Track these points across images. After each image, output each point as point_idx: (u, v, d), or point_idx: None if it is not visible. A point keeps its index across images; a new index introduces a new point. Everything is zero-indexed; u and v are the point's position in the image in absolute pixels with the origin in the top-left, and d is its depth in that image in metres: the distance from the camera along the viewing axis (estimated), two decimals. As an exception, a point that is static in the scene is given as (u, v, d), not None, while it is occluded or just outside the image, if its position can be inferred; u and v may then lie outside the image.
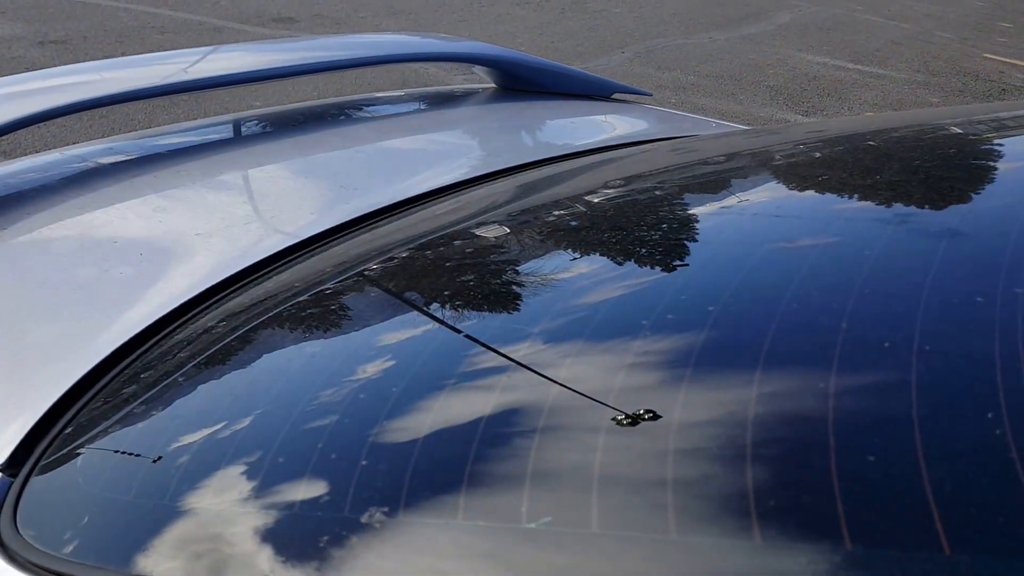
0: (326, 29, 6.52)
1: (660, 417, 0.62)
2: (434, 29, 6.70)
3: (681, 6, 8.12)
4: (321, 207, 1.34)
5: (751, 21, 7.79)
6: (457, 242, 1.11)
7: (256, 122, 1.73)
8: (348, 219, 1.26)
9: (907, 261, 0.82)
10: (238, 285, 1.07)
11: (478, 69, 2.06)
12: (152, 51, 5.43)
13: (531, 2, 7.88)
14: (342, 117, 1.81)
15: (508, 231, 1.13)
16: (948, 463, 0.53)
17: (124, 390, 0.85)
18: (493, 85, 2.02)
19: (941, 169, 1.15)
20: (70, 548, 0.67)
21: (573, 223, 1.13)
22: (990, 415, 0.55)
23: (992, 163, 1.18)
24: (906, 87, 6.25)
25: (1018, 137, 1.30)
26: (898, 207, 1.02)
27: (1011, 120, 1.41)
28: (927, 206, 1.01)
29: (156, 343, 0.94)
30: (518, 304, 0.92)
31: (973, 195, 1.03)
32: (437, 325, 0.91)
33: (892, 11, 8.65)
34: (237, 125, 1.68)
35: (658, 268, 0.94)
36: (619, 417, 0.64)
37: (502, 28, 7.03)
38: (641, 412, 0.63)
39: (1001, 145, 1.25)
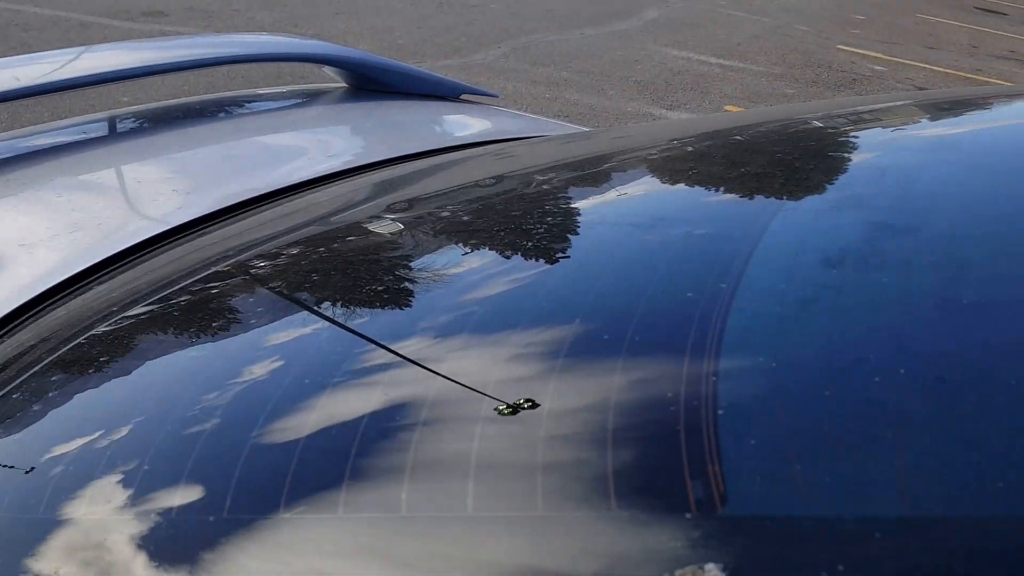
0: (197, 23, 6.47)
1: (527, 406, 0.67)
2: (309, 22, 6.72)
3: (556, 3, 8.30)
4: (159, 209, 1.35)
5: (621, 17, 8.02)
6: (300, 241, 1.15)
7: (92, 124, 1.73)
8: (186, 220, 1.29)
9: (744, 251, 0.88)
10: (71, 290, 1.09)
11: (328, 69, 2.09)
12: (16, 50, 5.33)
13: (408, -4, 7.96)
14: (188, 118, 1.82)
15: (355, 230, 1.18)
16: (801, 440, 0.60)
17: None
18: (344, 85, 2.08)
19: (763, 169, 1.23)
20: None
21: (419, 221, 1.18)
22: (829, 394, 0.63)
23: (838, 155, 1.26)
24: (764, 79, 6.55)
25: (873, 129, 1.40)
26: (726, 202, 1.10)
27: (868, 113, 1.51)
28: (758, 199, 1.08)
29: None
30: (358, 300, 0.95)
31: (811, 189, 1.09)
32: (287, 323, 0.93)
33: (754, 6, 9.00)
34: (86, 126, 1.70)
35: (502, 265, 0.98)
36: (492, 407, 0.68)
37: (380, 21, 7.08)
38: (520, 402, 0.67)
39: (846, 138, 1.33)
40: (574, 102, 5.68)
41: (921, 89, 6.34)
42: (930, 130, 1.38)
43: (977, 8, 10.19)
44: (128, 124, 1.76)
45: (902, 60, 7.48)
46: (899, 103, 1.55)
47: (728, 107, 5.85)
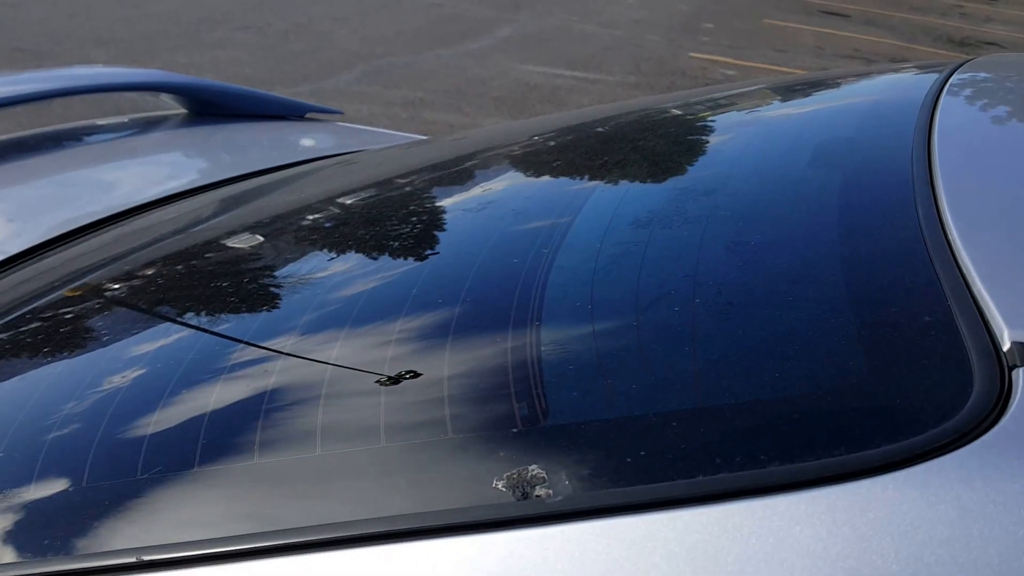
0: (27, 64, 6.11)
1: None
2: (148, 57, 6.44)
3: (405, 26, 8.20)
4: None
5: (473, 37, 7.98)
6: (145, 258, 1.17)
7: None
8: (28, 246, 1.28)
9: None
10: None
11: (165, 97, 2.05)
12: None
13: (253, 26, 7.72)
14: (29, 150, 1.76)
15: (200, 243, 1.20)
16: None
17: None
18: (184, 111, 2.01)
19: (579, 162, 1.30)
20: None
21: (267, 231, 1.23)
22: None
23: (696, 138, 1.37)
24: (619, 89, 6.60)
25: (728, 114, 1.50)
26: (549, 189, 1.20)
27: (724, 99, 1.59)
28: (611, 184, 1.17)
29: None
30: (211, 307, 1.00)
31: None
32: (152, 333, 0.98)
33: (605, 19, 9.09)
34: None
35: (351, 264, 1.05)
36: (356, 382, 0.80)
37: (224, 53, 6.84)
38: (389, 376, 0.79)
39: (712, 122, 1.44)
40: (432, 121, 5.59)
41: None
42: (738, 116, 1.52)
43: (821, 11, 10.57)
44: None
45: (752, 64, 7.66)
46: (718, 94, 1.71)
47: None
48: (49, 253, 1.27)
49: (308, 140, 2.01)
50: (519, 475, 0.63)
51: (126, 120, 2.01)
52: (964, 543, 0.53)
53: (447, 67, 6.90)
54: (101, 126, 1.94)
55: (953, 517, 0.54)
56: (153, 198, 1.48)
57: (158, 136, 1.93)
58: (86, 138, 1.87)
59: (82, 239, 1.32)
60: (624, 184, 1.15)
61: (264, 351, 0.87)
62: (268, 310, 0.98)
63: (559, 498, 0.61)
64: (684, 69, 7.29)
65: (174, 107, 2.03)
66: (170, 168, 1.81)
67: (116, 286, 1.10)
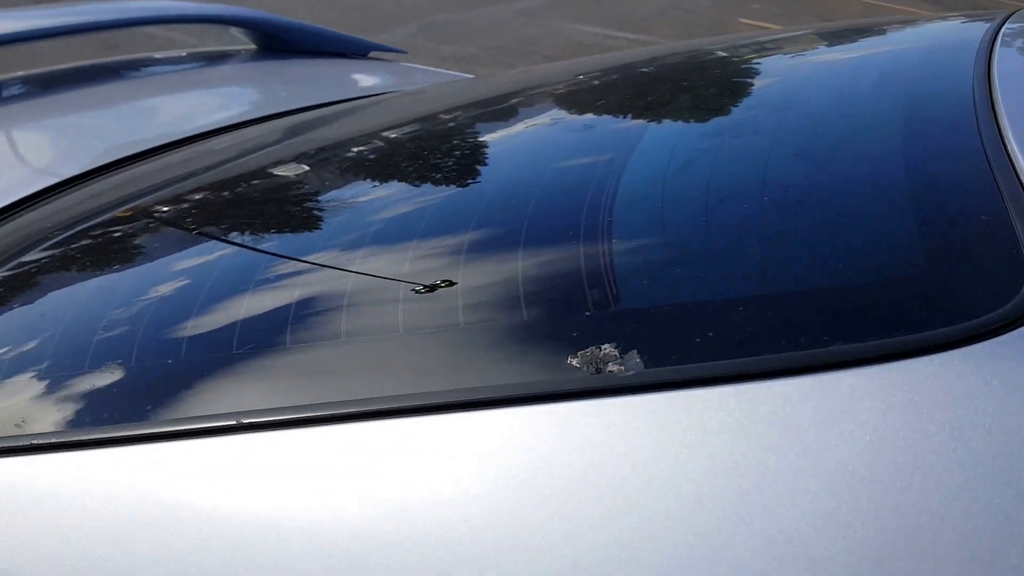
0: (92, 8, 6.25)
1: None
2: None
3: (459, -19, 8.24)
4: (71, 157, 1.40)
5: (525, -5, 8.00)
6: (208, 180, 1.22)
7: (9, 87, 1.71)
8: (94, 167, 1.32)
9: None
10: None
11: (235, 31, 2.08)
12: None
13: (309, -21, 7.80)
14: (99, 79, 1.81)
15: (262, 168, 1.24)
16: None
17: None
18: (253, 46, 2.05)
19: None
20: None
21: (326, 155, 1.26)
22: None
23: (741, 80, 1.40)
24: (671, 52, 6.60)
25: (772, 57, 1.50)
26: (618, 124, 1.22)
27: (770, 43, 1.59)
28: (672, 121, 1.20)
29: None
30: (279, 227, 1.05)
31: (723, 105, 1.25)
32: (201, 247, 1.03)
33: (658, -18, 9.05)
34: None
35: (410, 188, 1.09)
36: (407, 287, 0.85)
37: (279, 4, 6.93)
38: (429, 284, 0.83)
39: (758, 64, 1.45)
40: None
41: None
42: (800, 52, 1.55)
43: (871, -18, 10.42)
44: (39, 87, 1.75)
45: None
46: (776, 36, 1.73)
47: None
48: (105, 177, 1.32)
49: (372, 78, 2.03)
50: (592, 353, 0.68)
51: (184, 54, 2.05)
52: (1013, 413, 0.58)
53: (500, 25, 6.94)
54: (168, 58, 1.98)
55: (1004, 391, 0.60)
56: (210, 127, 1.53)
57: (226, 70, 1.96)
58: (151, 69, 1.92)
59: (141, 163, 1.37)
60: (692, 106, 1.20)
61: (350, 249, 0.93)
62: (357, 215, 1.03)
63: (631, 373, 0.66)
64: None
65: (243, 41, 2.07)
66: (232, 101, 1.85)
67: (194, 200, 1.16)
